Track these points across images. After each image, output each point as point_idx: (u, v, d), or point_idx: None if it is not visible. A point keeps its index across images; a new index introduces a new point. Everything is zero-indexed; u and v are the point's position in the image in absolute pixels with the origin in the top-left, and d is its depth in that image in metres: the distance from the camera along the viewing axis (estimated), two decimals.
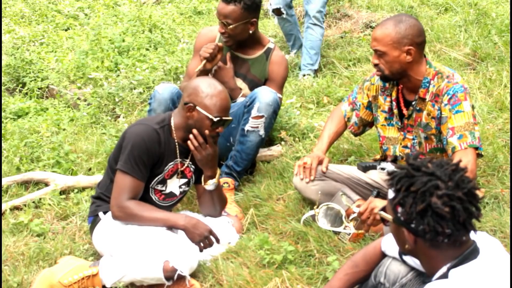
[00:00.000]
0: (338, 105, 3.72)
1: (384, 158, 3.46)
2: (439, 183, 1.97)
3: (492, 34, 5.52)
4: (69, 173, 4.23)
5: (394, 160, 3.37)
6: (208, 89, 3.15)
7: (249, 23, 3.89)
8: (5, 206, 3.80)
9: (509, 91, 4.55)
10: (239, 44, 3.96)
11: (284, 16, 5.70)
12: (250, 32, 3.92)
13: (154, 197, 3.28)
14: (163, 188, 3.29)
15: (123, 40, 6.44)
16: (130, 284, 3.05)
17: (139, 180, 3.13)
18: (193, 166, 3.34)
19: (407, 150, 3.30)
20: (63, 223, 3.72)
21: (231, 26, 3.83)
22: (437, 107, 3.13)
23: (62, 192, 4.02)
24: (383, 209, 2.18)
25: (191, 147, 3.20)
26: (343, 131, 3.65)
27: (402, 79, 3.18)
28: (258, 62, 4.02)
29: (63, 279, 3.01)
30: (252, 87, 3.99)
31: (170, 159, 3.24)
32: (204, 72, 3.84)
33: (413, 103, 3.21)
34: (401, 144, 3.31)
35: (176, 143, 3.24)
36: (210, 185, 3.29)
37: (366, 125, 3.57)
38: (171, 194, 3.34)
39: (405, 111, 3.25)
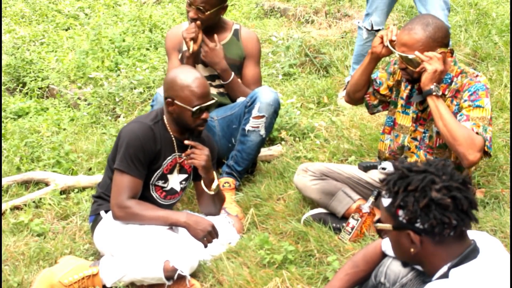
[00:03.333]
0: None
1: (382, 155, 3.46)
2: (435, 178, 1.99)
3: (492, 34, 5.52)
4: (69, 173, 4.24)
5: (401, 148, 3.33)
6: (182, 80, 3.14)
7: (222, 8, 3.90)
8: (5, 205, 3.80)
9: (509, 91, 4.55)
10: (207, 31, 3.93)
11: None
12: (221, 16, 3.94)
13: (155, 194, 3.28)
14: (165, 185, 3.29)
15: (124, 40, 6.45)
16: (131, 284, 3.05)
17: (137, 178, 3.13)
18: None
19: (415, 142, 3.29)
20: (63, 223, 3.73)
21: (208, 12, 3.81)
22: (456, 103, 3.11)
23: (62, 192, 4.02)
24: (378, 221, 2.16)
25: (192, 162, 3.20)
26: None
27: None
28: (231, 44, 3.99)
29: (63, 279, 3.01)
30: (233, 70, 3.98)
31: (168, 154, 3.24)
32: (192, 57, 3.84)
33: None
34: (410, 135, 3.30)
35: (173, 137, 3.24)
36: (214, 189, 3.30)
37: (381, 101, 3.47)
38: (173, 191, 3.34)
39: (419, 105, 3.23)
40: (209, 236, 3.12)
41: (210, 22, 3.89)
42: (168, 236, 3.12)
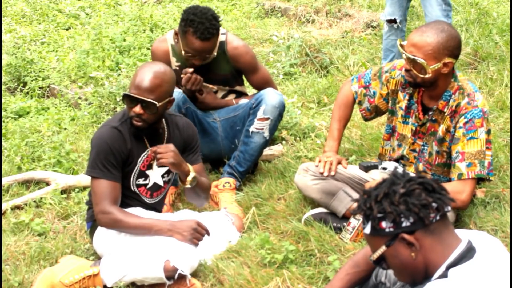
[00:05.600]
0: (345, 83, 3.59)
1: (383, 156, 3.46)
2: (393, 179, 2.04)
3: (493, 34, 5.52)
4: (70, 173, 4.24)
5: (401, 158, 3.34)
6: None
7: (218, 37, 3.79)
8: (6, 205, 3.80)
9: (509, 90, 4.55)
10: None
11: (396, 26, 4.99)
12: None
13: (143, 197, 3.27)
14: (146, 182, 3.26)
15: (124, 40, 6.45)
16: (131, 283, 3.05)
17: (113, 181, 3.09)
18: None
19: (414, 154, 3.29)
20: (64, 222, 3.73)
21: (214, 54, 3.76)
22: (453, 124, 3.10)
23: (63, 191, 4.02)
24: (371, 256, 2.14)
25: (160, 162, 3.12)
26: (351, 114, 3.59)
27: (428, 87, 3.11)
28: (219, 60, 3.89)
29: (64, 279, 3.01)
30: (229, 82, 3.99)
31: (141, 151, 3.20)
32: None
33: (430, 112, 3.17)
34: (409, 147, 3.29)
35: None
36: (190, 182, 3.22)
37: (378, 113, 3.51)
38: (156, 186, 3.31)
39: (421, 116, 3.22)
40: (196, 233, 3.07)
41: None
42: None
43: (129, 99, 3.06)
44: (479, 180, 3.14)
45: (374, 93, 3.41)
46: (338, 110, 3.54)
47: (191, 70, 3.75)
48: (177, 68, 3.89)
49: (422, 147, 3.26)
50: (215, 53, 3.81)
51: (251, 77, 4.01)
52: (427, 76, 3.00)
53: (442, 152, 3.18)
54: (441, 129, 3.15)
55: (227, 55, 3.90)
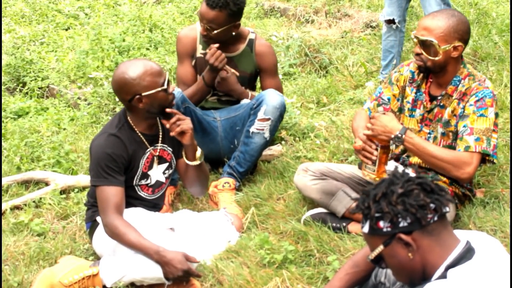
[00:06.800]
0: (359, 109, 3.58)
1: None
2: (392, 179, 2.05)
3: (492, 34, 5.52)
4: (70, 173, 4.24)
5: (404, 151, 3.32)
6: (136, 72, 3.08)
7: (233, 26, 3.84)
8: (6, 205, 3.80)
9: (509, 90, 4.55)
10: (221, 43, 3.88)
11: (394, 26, 4.98)
12: (233, 34, 3.86)
13: (142, 194, 3.27)
14: (148, 181, 3.27)
15: (124, 40, 6.45)
16: (131, 284, 3.05)
17: (117, 186, 3.09)
18: (170, 149, 3.32)
19: None
20: (64, 222, 3.73)
21: (215, 32, 3.77)
22: (462, 106, 3.11)
23: (63, 191, 4.02)
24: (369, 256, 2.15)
25: (181, 128, 3.17)
26: None
27: (438, 73, 3.15)
28: (244, 56, 3.96)
29: (64, 279, 3.01)
30: (242, 82, 3.98)
31: (141, 153, 3.21)
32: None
33: (439, 98, 3.19)
34: None
35: (141, 135, 3.20)
36: (199, 157, 3.29)
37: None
38: (158, 183, 3.32)
39: (428, 104, 3.23)
40: (178, 280, 2.99)
41: (221, 39, 3.82)
42: (167, 236, 3.12)
43: (168, 82, 3.15)
44: (482, 163, 3.13)
45: (389, 99, 3.38)
46: (356, 123, 3.42)
47: (216, 45, 3.78)
48: (202, 55, 3.92)
49: (428, 135, 3.24)
50: (242, 47, 3.85)
51: (268, 80, 4.02)
52: (437, 58, 3.04)
53: (447, 132, 3.18)
54: (447, 112, 3.16)
55: (253, 53, 3.97)
